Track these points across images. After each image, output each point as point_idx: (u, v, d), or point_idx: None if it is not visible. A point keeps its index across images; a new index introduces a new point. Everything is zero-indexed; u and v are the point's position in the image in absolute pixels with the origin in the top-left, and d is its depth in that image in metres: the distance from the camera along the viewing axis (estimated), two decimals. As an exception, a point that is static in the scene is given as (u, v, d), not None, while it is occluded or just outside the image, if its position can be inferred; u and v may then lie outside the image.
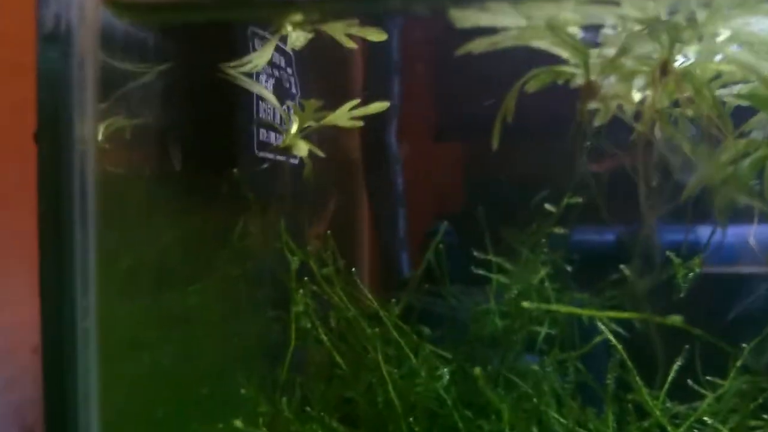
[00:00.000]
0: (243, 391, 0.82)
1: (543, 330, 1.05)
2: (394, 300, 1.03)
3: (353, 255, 1.72)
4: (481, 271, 1.10)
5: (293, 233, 0.99)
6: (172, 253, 0.77)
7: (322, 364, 0.96)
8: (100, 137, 0.70)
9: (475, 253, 1.13)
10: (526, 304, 0.84)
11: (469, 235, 1.22)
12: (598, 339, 0.97)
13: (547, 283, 1.10)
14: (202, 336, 0.85)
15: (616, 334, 1.01)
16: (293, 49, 0.92)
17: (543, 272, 1.02)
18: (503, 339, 1.06)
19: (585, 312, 0.86)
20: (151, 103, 0.68)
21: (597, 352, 1.01)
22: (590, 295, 1.13)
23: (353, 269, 0.89)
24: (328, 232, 0.98)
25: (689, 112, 0.62)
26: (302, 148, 0.71)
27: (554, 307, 0.86)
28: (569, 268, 1.15)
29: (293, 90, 0.94)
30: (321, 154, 0.82)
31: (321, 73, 1.17)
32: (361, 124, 0.71)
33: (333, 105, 0.88)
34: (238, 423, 0.62)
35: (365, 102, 1.59)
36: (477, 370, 0.53)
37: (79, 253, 0.61)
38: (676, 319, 0.57)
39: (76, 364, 0.66)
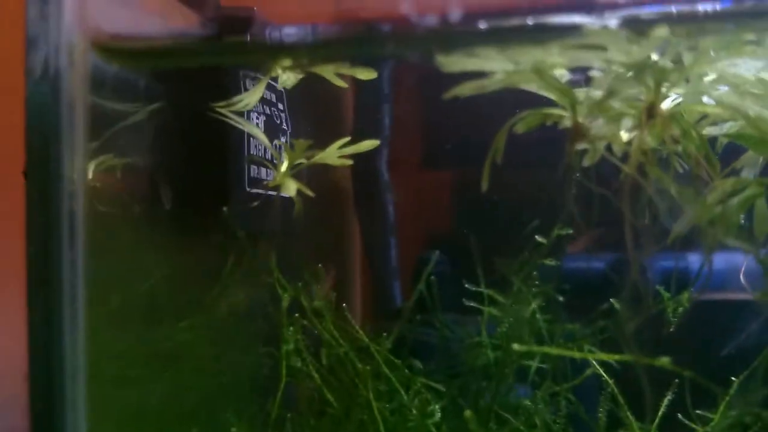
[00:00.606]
0: (234, 430, 0.81)
1: (534, 363, 1.05)
2: (384, 334, 1.03)
3: (345, 285, 1.71)
4: (472, 303, 1.10)
5: (286, 267, 0.99)
6: (162, 290, 0.77)
7: (313, 401, 0.95)
8: (90, 176, 0.70)
9: (466, 285, 1.14)
10: (516, 346, 0.84)
11: (461, 265, 1.22)
12: (588, 372, 0.97)
13: (538, 315, 1.10)
14: (191, 373, 0.85)
15: (607, 367, 1.01)
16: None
17: (534, 304, 1.02)
18: (495, 371, 1.05)
19: (573, 353, 0.86)
20: (142, 142, 0.69)
21: (589, 385, 1.01)
22: (582, 326, 1.13)
23: (344, 304, 0.89)
24: (320, 265, 0.98)
25: (676, 153, 0.62)
26: (291, 188, 0.72)
27: (544, 349, 0.85)
28: (561, 299, 1.16)
29: (284, 125, 0.94)
30: (310, 193, 0.82)
31: (312, 106, 1.18)
32: (350, 162, 0.71)
33: (324, 136, 0.89)
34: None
35: (357, 133, 1.59)
36: (467, 413, 0.53)
37: (67, 297, 0.61)
38: (664, 361, 0.57)
39: (64, 398, 0.65)
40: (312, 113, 1.23)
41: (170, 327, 0.78)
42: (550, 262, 1.05)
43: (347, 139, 0.74)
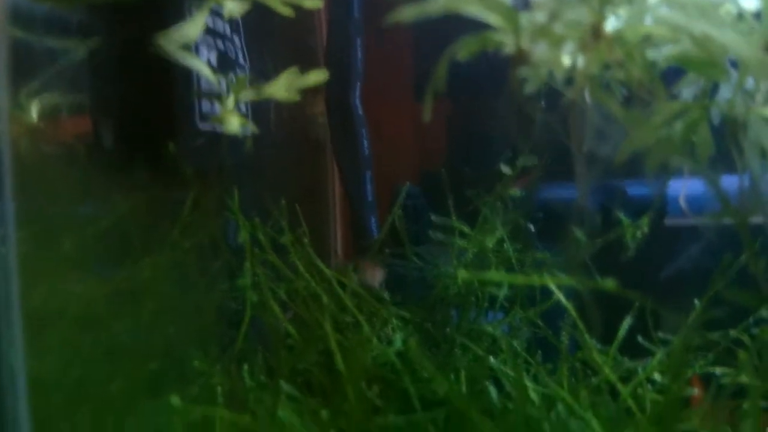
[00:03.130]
0: (196, 363, 0.83)
1: (501, 292, 1.06)
2: (351, 266, 1.04)
3: (325, 220, 1.72)
4: (440, 235, 1.10)
5: (253, 203, 0.98)
6: (116, 229, 0.77)
7: (281, 335, 0.96)
8: (34, 115, 0.69)
9: (434, 217, 1.14)
10: (462, 272, 0.84)
11: (436, 198, 1.22)
12: (554, 300, 0.98)
13: (506, 244, 1.11)
14: (154, 311, 0.85)
15: (577, 294, 1.03)
16: (242, 18, 0.90)
17: (500, 233, 1.03)
18: (463, 300, 1.07)
19: (524, 279, 0.87)
20: (80, 79, 0.67)
21: (559, 312, 1.02)
22: (551, 254, 1.14)
23: (305, 239, 0.89)
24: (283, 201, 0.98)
25: (620, 77, 0.61)
26: (233, 123, 0.70)
27: (491, 275, 0.86)
28: (532, 228, 1.16)
29: (240, 60, 0.93)
30: (255, 129, 0.81)
31: (280, 42, 1.15)
32: (297, 98, 0.69)
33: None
34: (174, 399, 0.62)
35: (330, 69, 1.57)
36: (411, 341, 0.54)
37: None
38: (609, 283, 0.57)
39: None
40: (280, 49, 1.21)
41: (124, 266, 0.78)
42: (514, 192, 1.06)
43: (294, 69, 0.73)
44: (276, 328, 0.89)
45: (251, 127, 0.80)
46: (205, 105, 0.83)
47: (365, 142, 1.57)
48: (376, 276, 1.17)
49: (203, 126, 0.83)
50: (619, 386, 0.81)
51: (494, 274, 0.85)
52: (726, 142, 0.62)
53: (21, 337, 0.58)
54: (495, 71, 0.91)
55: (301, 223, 1.00)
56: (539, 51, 0.61)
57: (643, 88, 0.60)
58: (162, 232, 0.82)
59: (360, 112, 1.56)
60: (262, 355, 0.98)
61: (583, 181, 0.62)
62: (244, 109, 1.01)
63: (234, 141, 0.85)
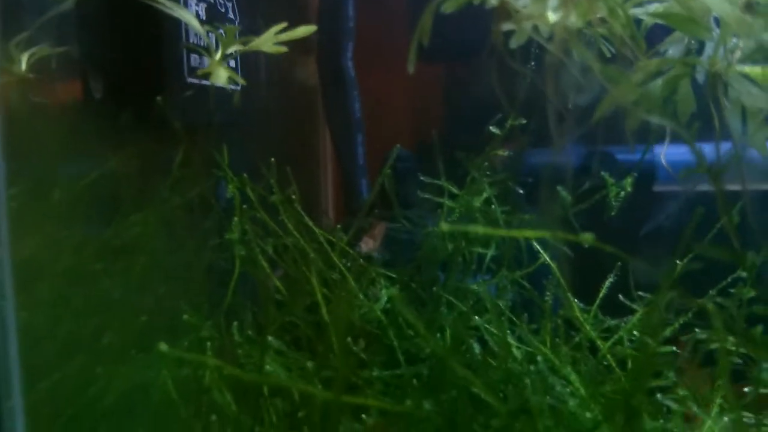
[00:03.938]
0: (185, 317, 0.84)
1: (488, 252, 1.08)
2: (339, 225, 1.05)
3: (316, 183, 1.72)
4: (427, 195, 1.11)
5: (243, 162, 0.99)
6: (104, 183, 0.77)
7: (270, 291, 0.98)
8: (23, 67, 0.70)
9: (423, 178, 1.15)
10: (444, 224, 0.85)
11: (428, 161, 1.23)
12: (540, 261, 0.99)
13: (494, 205, 1.11)
14: (144, 266, 0.86)
15: (564, 254, 1.04)
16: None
17: (487, 194, 1.04)
18: (451, 260, 1.08)
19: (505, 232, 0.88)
20: (68, 31, 0.67)
21: (545, 273, 1.03)
22: (540, 216, 1.15)
23: (293, 195, 0.90)
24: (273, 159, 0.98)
25: (602, 32, 0.62)
26: (221, 75, 0.71)
27: (472, 227, 0.87)
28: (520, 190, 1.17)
29: (230, 15, 0.92)
30: (242, 81, 0.81)
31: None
32: (285, 49, 0.70)
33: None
34: (162, 346, 0.64)
35: (322, 28, 1.56)
36: (393, 291, 0.55)
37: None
38: (587, 237, 0.58)
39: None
40: (272, 8, 1.21)
41: (115, 221, 0.79)
42: (503, 153, 1.06)
43: (284, 24, 0.73)
44: (265, 284, 0.90)
45: (240, 81, 0.80)
46: (194, 59, 0.83)
47: (357, 105, 1.57)
48: (374, 243, 1.18)
49: (192, 80, 0.83)
50: (599, 343, 0.83)
51: (475, 227, 0.86)
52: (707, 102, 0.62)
53: (12, 289, 0.59)
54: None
55: (292, 183, 1.00)
56: (523, 3, 0.61)
57: (626, 46, 0.60)
58: (151, 186, 0.82)
59: (352, 73, 1.56)
60: (252, 312, 0.99)
61: (565, 138, 0.63)
62: (234, 67, 1.01)
63: (224, 98, 0.85)
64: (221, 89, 0.93)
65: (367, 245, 1.18)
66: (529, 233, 0.71)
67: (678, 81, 0.61)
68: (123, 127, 0.72)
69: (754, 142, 0.64)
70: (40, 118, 0.69)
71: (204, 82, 0.86)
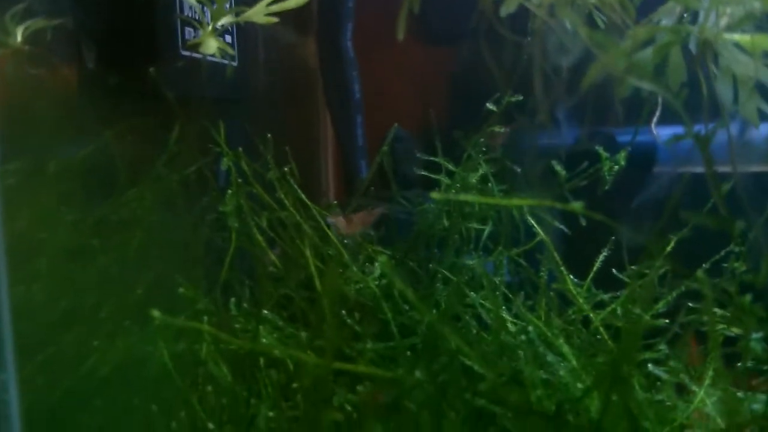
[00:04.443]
0: (181, 290, 0.84)
1: (486, 228, 1.08)
2: (336, 202, 1.06)
3: (316, 163, 1.73)
4: (424, 173, 1.11)
5: (243, 139, 0.99)
6: (101, 156, 0.77)
7: (266, 265, 0.98)
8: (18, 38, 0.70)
9: (419, 155, 1.15)
10: (435, 194, 0.86)
11: (427, 141, 1.23)
12: (537, 239, 0.99)
13: (491, 183, 1.11)
14: (139, 240, 0.87)
15: (560, 231, 1.04)
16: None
17: (483, 171, 1.04)
18: (447, 237, 1.08)
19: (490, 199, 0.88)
20: (63, 2, 0.67)
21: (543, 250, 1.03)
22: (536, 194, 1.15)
23: (287, 174, 0.90)
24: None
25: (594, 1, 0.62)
26: (211, 45, 0.71)
27: (464, 197, 0.87)
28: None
29: (226, -8, 0.92)
30: (232, 51, 0.81)
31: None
32: (275, 20, 0.70)
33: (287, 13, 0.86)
34: (155, 313, 0.64)
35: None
36: (382, 258, 0.55)
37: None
38: (577, 206, 0.58)
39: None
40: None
41: (111, 196, 0.79)
42: (499, 128, 1.06)
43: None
44: (261, 259, 0.91)
45: (230, 52, 0.80)
46: (189, 32, 0.83)
47: (356, 86, 1.57)
48: (357, 225, 1.17)
49: (186, 53, 0.83)
50: (592, 315, 0.83)
51: (467, 196, 0.86)
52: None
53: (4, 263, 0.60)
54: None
55: (289, 161, 1.01)
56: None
57: (616, 13, 0.60)
58: (146, 161, 0.83)
59: (351, 54, 1.56)
60: (249, 288, 1.00)
61: (559, 113, 0.63)
62: (230, 42, 1.01)
63: (221, 74, 0.85)
64: (219, 65, 0.93)
65: (340, 224, 1.16)
66: (519, 201, 0.71)
67: (668, 48, 0.61)
68: (117, 98, 0.72)
69: (745, 110, 0.64)
70: (35, 90, 0.70)
71: (202, 55, 0.86)
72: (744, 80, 0.63)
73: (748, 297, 0.63)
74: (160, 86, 0.74)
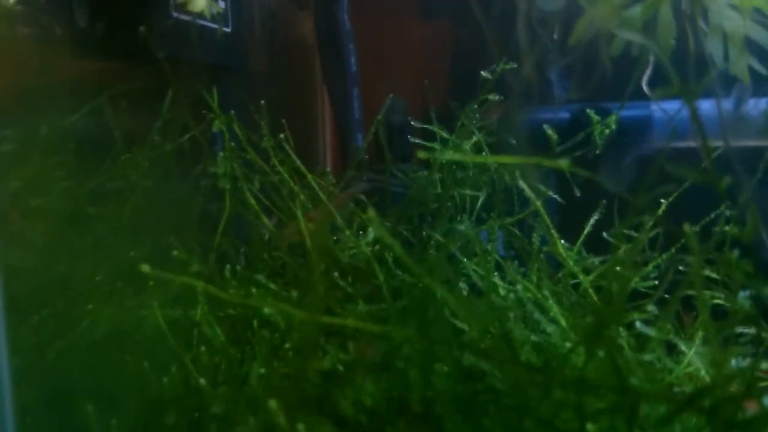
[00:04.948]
0: (175, 253, 0.85)
1: (481, 195, 1.08)
2: (329, 169, 1.06)
3: (314, 136, 1.73)
4: (416, 141, 1.12)
5: (238, 104, 0.99)
6: (93, 120, 0.78)
7: (260, 231, 0.99)
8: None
9: (414, 123, 1.15)
10: (421, 152, 0.86)
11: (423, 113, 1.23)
12: (531, 209, 1.00)
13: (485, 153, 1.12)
14: (133, 208, 0.87)
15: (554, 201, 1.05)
16: None
17: (476, 138, 1.04)
18: (440, 204, 1.09)
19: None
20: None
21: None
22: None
23: (282, 134, 0.91)
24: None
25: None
26: (199, 3, 0.71)
27: (450, 154, 0.87)
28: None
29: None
30: (219, 9, 0.81)
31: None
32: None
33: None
34: (144, 267, 0.65)
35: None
36: (371, 211, 0.55)
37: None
38: (564, 163, 0.58)
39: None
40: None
41: (104, 161, 0.79)
42: (494, 97, 1.06)
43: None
44: (255, 224, 0.92)
45: (218, 10, 0.80)
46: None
47: (353, 59, 1.57)
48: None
49: (178, 15, 0.83)
50: (581, 277, 0.84)
51: (457, 155, 0.86)
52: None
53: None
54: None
55: (285, 130, 1.01)
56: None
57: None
58: (138, 126, 0.83)
59: (348, 27, 1.56)
60: (244, 255, 1.00)
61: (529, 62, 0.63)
62: (224, 8, 1.01)
63: (212, 38, 0.85)
64: (212, 30, 0.93)
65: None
66: (508, 159, 0.72)
67: (658, 5, 0.62)
68: (109, 59, 0.72)
69: (736, 68, 0.64)
70: (26, 51, 0.70)
71: (193, 18, 0.86)
72: (734, 37, 0.63)
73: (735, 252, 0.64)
74: (151, 47, 0.74)
